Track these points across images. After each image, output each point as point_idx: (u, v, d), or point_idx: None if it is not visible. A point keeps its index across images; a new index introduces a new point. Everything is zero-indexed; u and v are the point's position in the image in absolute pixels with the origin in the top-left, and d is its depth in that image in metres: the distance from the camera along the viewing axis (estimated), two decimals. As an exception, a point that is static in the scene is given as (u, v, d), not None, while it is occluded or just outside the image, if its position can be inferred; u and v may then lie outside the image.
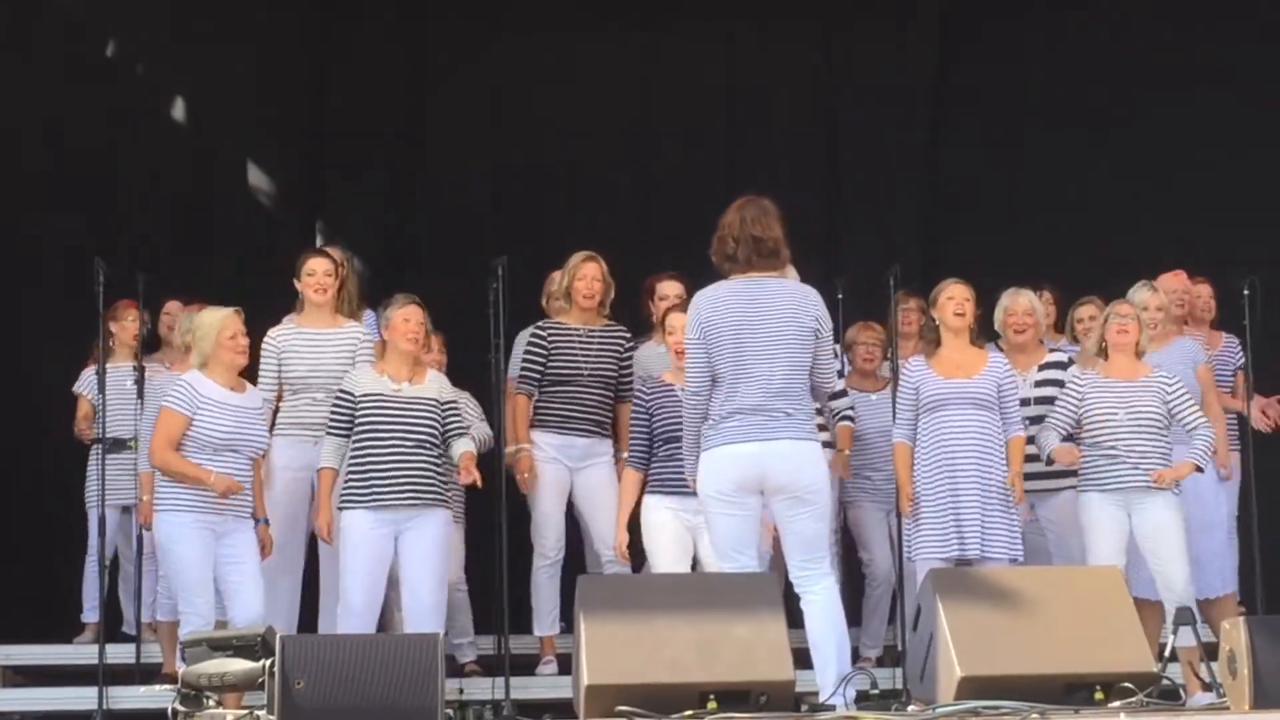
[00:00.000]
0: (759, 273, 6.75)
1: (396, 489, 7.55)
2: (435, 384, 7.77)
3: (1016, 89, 10.66)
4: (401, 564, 7.61)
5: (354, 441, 7.62)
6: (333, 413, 7.68)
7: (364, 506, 7.55)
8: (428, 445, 7.64)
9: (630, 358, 8.29)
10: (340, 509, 7.60)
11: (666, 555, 7.54)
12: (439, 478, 7.67)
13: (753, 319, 6.67)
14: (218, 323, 7.49)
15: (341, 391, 7.70)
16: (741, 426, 6.62)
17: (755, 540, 6.77)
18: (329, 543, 7.61)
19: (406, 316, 7.72)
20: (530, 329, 8.34)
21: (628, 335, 8.34)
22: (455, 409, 7.81)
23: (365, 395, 7.64)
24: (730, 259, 6.76)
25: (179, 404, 7.39)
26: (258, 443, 7.51)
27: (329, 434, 7.66)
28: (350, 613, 7.52)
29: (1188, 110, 10.38)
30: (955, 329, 7.77)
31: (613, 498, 8.08)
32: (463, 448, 7.69)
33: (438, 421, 7.68)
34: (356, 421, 7.62)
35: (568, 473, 8.19)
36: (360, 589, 7.53)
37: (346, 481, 7.62)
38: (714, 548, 6.84)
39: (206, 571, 7.38)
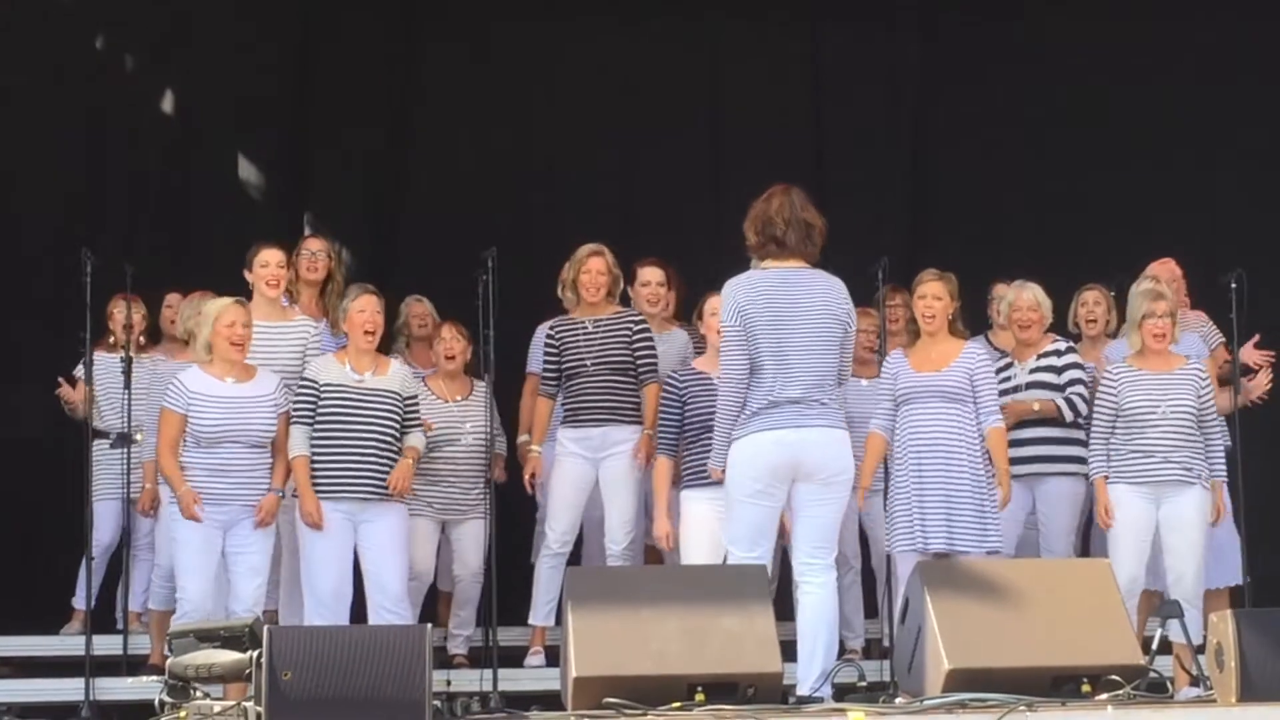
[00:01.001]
0: (799, 260, 6.76)
1: (354, 483, 7.55)
2: (398, 378, 7.76)
3: (1004, 82, 10.66)
4: (363, 559, 7.61)
5: (316, 430, 7.60)
6: (296, 402, 7.64)
7: (323, 497, 7.54)
8: (387, 439, 7.63)
9: (645, 340, 8.18)
10: (296, 496, 7.58)
11: (700, 552, 7.51)
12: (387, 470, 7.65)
13: (792, 310, 6.69)
14: (217, 310, 7.52)
15: (305, 379, 7.68)
16: (780, 415, 6.64)
17: (773, 533, 6.79)
18: (319, 528, 7.55)
19: (361, 308, 7.72)
20: (544, 326, 8.36)
21: (638, 319, 8.29)
22: (415, 404, 7.80)
23: (328, 385, 7.63)
24: (777, 241, 6.74)
25: (172, 403, 7.47)
26: (260, 431, 7.48)
27: (295, 423, 7.61)
28: (319, 602, 7.51)
29: (1179, 103, 10.40)
30: (928, 331, 7.78)
31: (629, 489, 8.08)
32: (411, 442, 7.70)
33: (398, 415, 7.68)
34: (319, 411, 7.61)
35: (590, 466, 8.14)
36: (327, 578, 7.52)
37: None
38: (731, 536, 6.81)
39: (205, 558, 7.39)
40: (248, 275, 8.04)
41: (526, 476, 8.19)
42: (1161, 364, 7.84)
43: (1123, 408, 7.77)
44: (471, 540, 8.36)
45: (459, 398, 8.33)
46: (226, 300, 7.58)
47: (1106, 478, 7.78)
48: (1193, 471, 7.74)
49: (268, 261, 8.01)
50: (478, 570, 8.36)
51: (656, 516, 7.76)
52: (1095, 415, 7.88)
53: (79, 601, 8.71)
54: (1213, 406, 7.85)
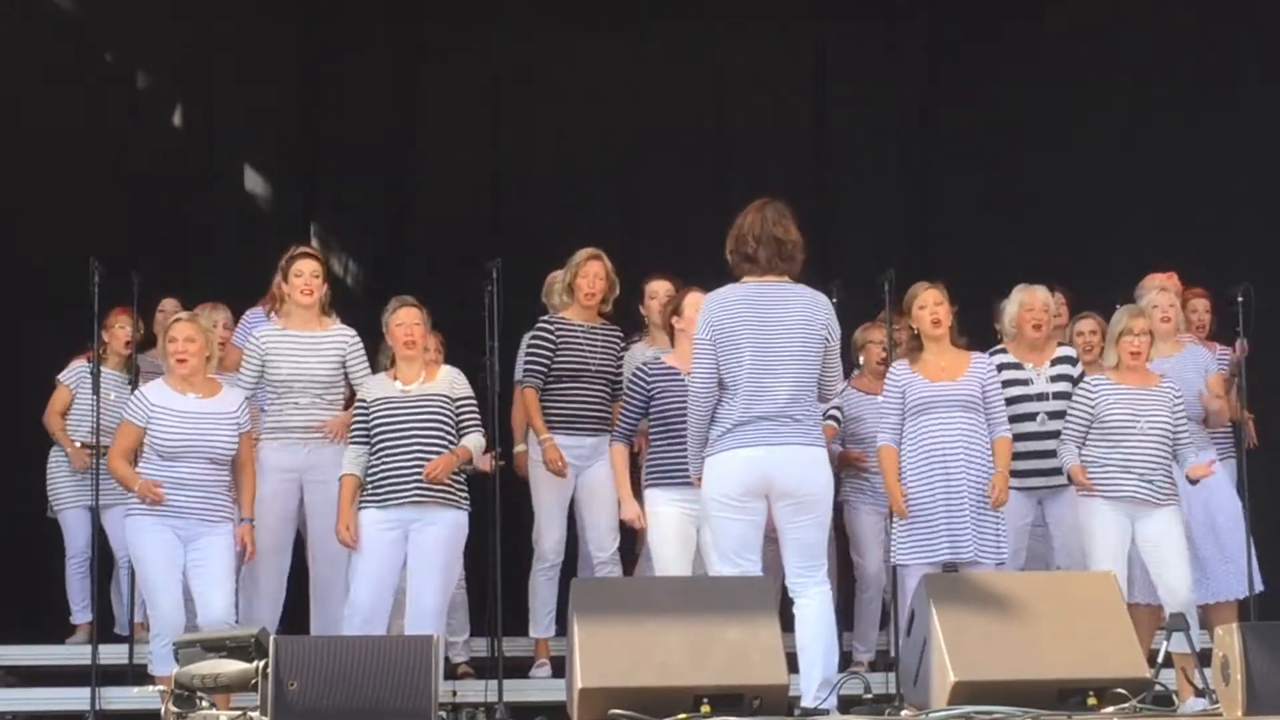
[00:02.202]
0: (776, 276, 6.74)
1: (403, 488, 7.56)
2: (446, 381, 7.77)
3: (1009, 86, 10.67)
4: (409, 565, 7.62)
5: (372, 447, 7.65)
6: (352, 423, 7.73)
7: (376, 506, 7.59)
8: (436, 443, 7.63)
9: (623, 357, 8.30)
10: (358, 510, 7.63)
11: (671, 551, 7.53)
12: (452, 477, 7.66)
13: (766, 326, 6.66)
14: (168, 326, 7.65)
15: (357, 400, 7.77)
16: (751, 432, 6.62)
17: (759, 544, 6.77)
18: (352, 548, 7.61)
19: (399, 321, 7.76)
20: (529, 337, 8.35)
21: (622, 336, 8.36)
22: (469, 404, 7.78)
23: (376, 400, 7.68)
24: (750, 259, 6.73)
25: (132, 415, 7.54)
26: (220, 447, 7.50)
27: (349, 443, 7.71)
28: (355, 613, 7.55)
29: (1183, 114, 10.40)
30: (934, 336, 7.76)
31: (610, 495, 8.08)
32: (468, 443, 7.70)
33: (450, 418, 7.69)
34: (371, 428, 7.66)
35: (572, 473, 8.18)
36: (367, 590, 7.55)
37: (366, 485, 7.65)
38: (716, 551, 6.82)
39: (170, 574, 7.42)
40: (284, 284, 8.07)
41: (558, 464, 8.06)
42: (1139, 380, 7.85)
43: (1102, 419, 7.78)
44: None
45: None
46: (181, 315, 7.70)
47: (1082, 467, 7.76)
48: (1165, 494, 7.74)
49: (302, 271, 8.04)
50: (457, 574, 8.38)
51: (623, 499, 7.74)
52: (1069, 419, 7.85)
53: (77, 616, 8.73)
54: (1185, 426, 7.85)
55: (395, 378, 7.76)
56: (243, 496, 7.58)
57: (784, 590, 6.94)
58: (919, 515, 7.57)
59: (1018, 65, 10.67)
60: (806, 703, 6.58)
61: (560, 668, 7.46)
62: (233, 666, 6.23)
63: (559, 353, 8.15)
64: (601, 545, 8.18)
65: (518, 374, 8.41)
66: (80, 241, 9.53)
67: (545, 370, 8.16)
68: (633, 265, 8.71)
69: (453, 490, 7.67)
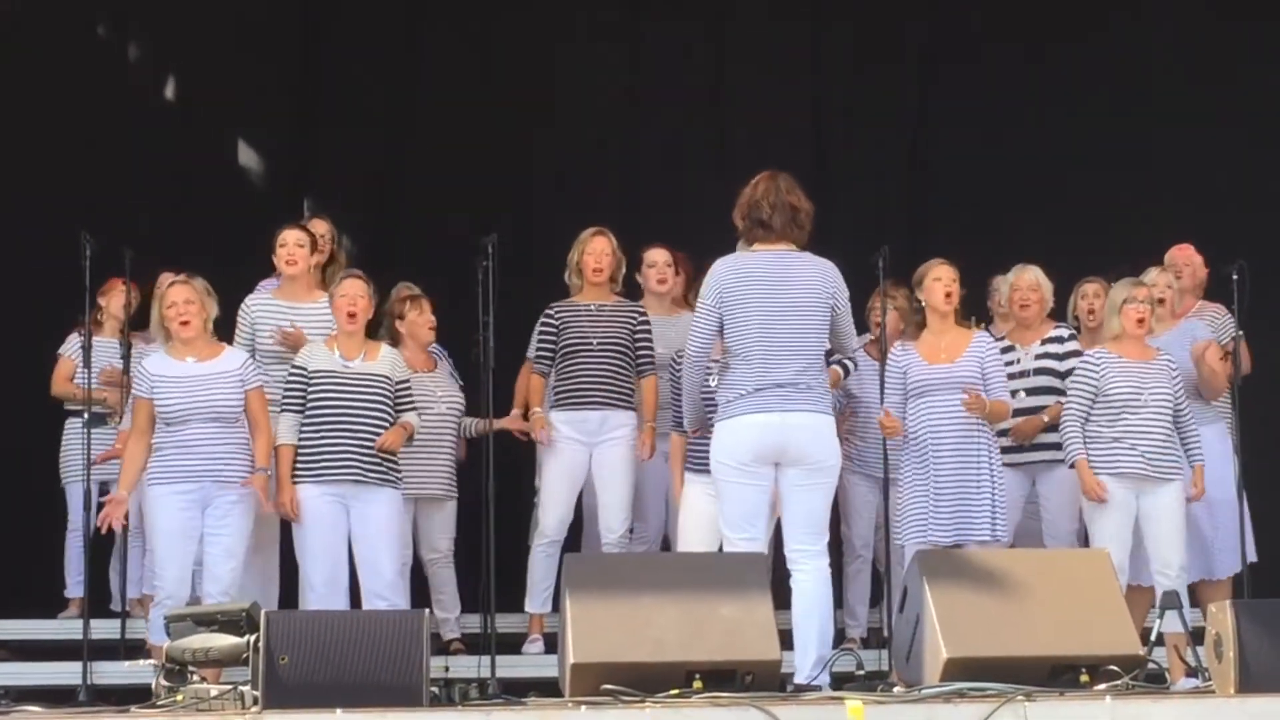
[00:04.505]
0: (788, 244, 6.78)
1: (342, 466, 7.55)
2: (388, 362, 7.75)
3: (1005, 75, 10.65)
4: (355, 544, 7.61)
5: (306, 417, 7.62)
6: (287, 388, 7.67)
7: (311, 481, 7.57)
8: (377, 423, 7.62)
9: (646, 333, 8.26)
10: (294, 483, 7.60)
11: (695, 534, 7.55)
12: (388, 458, 7.65)
13: (777, 293, 6.70)
14: (161, 294, 7.68)
15: (294, 367, 7.71)
16: (765, 398, 6.65)
17: (765, 514, 6.79)
18: (293, 518, 7.59)
19: (343, 292, 7.74)
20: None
21: (642, 311, 8.33)
22: (406, 388, 7.79)
23: (317, 371, 7.64)
24: (764, 225, 6.76)
25: (138, 390, 7.58)
26: (220, 406, 7.50)
27: (284, 410, 7.65)
28: (310, 588, 7.54)
29: (1181, 99, 10.39)
30: (942, 312, 7.76)
31: (625, 476, 8.14)
32: (406, 418, 7.70)
33: (389, 399, 7.67)
34: (309, 397, 7.62)
35: (584, 452, 8.17)
36: (318, 564, 7.54)
37: (298, 457, 7.61)
38: (723, 518, 6.84)
39: (182, 545, 7.44)
40: (274, 259, 8.09)
41: (539, 431, 8.15)
42: (1140, 353, 7.84)
43: (1105, 393, 7.75)
44: (438, 520, 8.37)
45: (424, 370, 8.35)
46: (170, 280, 7.70)
47: (1088, 460, 7.73)
48: (1170, 469, 7.72)
49: (285, 240, 8.10)
50: (446, 551, 8.41)
51: (675, 482, 7.82)
52: (1071, 397, 7.82)
53: (72, 590, 8.72)
54: (1186, 399, 7.83)
55: (335, 348, 7.70)
56: (256, 449, 7.56)
57: (776, 567, 6.95)
58: (914, 497, 7.59)
59: (1016, 52, 10.64)
60: (800, 679, 6.58)
61: (553, 644, 7.45)
62: (224, 641, 6.23)
63: (562, 332, 8.18)
64: (611, 525, 8.18)
65: (530, 351, 8.45)
66: (71, 216, 9.51)
67: (551, 354, 8.19)
68: (632, 244, 8.70)
69: (388, 468, 7.66)
